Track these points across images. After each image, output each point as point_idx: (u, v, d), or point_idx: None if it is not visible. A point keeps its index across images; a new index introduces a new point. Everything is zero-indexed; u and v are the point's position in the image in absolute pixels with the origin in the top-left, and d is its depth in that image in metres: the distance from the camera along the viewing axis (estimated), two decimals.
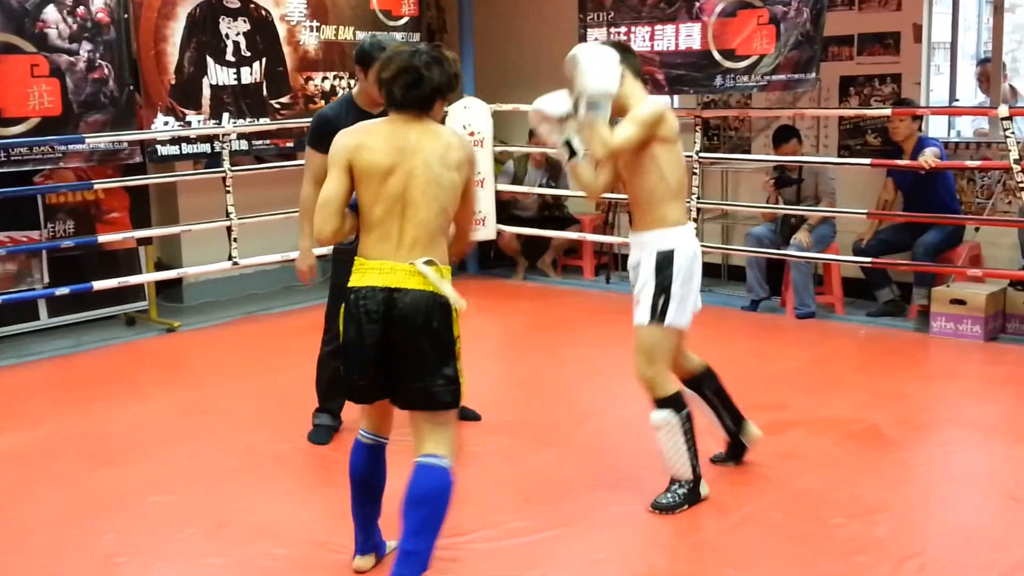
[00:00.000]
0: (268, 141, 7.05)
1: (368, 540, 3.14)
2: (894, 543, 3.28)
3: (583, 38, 7.21)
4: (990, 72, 6.72)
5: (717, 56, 6.61)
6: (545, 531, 3.42)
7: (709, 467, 3.93)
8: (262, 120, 6.93)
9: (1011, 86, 7.13)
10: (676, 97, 7.81)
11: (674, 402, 3.59)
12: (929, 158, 5.83)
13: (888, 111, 6.29)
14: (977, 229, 6.22)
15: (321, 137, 3.87)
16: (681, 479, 3.60)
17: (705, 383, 3.87)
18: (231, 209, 6.59)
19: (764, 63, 6.40)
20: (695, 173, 6.81)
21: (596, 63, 3.42)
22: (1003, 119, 5.50)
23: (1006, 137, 5.48)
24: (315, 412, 4.47)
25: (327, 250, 4.63)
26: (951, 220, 6.12)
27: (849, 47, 6.96)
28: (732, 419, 3.92)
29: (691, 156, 6.80)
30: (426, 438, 2.87)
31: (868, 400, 4.72)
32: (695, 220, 6.85)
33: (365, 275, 2.86)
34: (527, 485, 3.83)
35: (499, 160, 8.09)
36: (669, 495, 3.60)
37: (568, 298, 7.37)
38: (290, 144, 7.17)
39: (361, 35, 7.39)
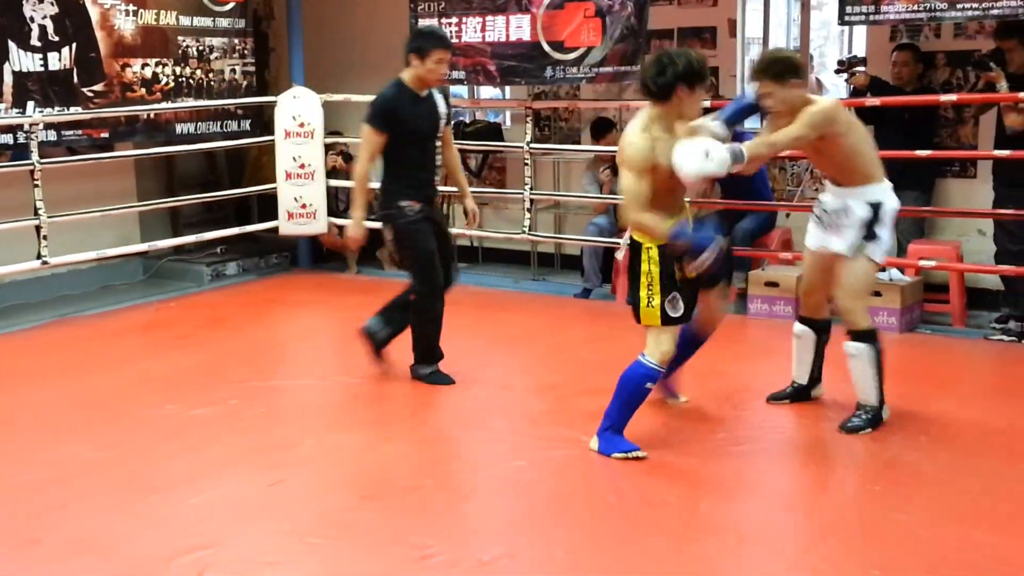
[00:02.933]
0: (81, 132, 6.69)
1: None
2: (716, 516, 3.43)
3: (414, 28, 7.18)
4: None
5: (547, 48, 6.71)
6: (385, 528, 3.41)
7: (539, 457, 4.01)
8: (73, 109, 6.57)
9: (818, 79, 7.53)
10: (508, 88, 7.92)
11: (870, 335, 4.12)
12: None
13: (707, 104, 6.54)
14: (788, 215, 6.57)
15: (384, 118, 4.63)
16: (868, 404, 4.13)
17: (825, 332, 4.44)
18: (40, 205, 6.21)
19: (592, 55, 6.54)
20: (526, 163, 6.91)
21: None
22: None
23: None
24: (424, 364, 4.90)
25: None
26: (762, 207, 6.42)
27: (670, 40, 7.20)
28: (817, 372, 4.49)
29: (521, 147, 6.90)
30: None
31: (693, 380, 4.88)
32: (528, 211, 6.95)
33: None
34: (367, 481, 3.80)
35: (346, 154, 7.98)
36: (857, 419, 4.13)
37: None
38: (105, 135, 6.83)
39: (185, 20, 7.17)
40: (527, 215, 6.97)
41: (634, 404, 3.96)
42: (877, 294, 5.75)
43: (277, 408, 4.75)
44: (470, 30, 6.98)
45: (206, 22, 7.40)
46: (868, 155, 4.19)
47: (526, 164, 6.89)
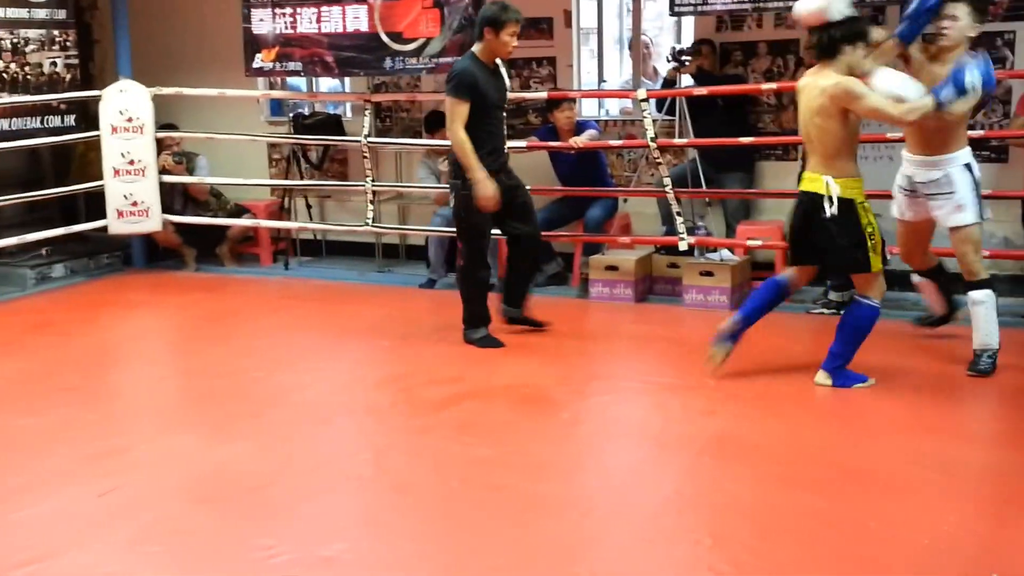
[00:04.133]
0: None
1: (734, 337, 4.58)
2: (558, 496, 3.49)
3: (247, 18, 7.03)
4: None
5: (385, 39, 6.66)
6: (225, 531, 3.32)
7: (383, 449, 4.00)
8: None
9: (654, 67, 7.74)
10: (347, 80, 7.82)
11: (990, 284, 4.58)
12: (580, 139, 6.28)
13: (544, 94, 6.66)
14: (625, 200, 6.75)
15: (469, 89, 4.95)
16: (990, 348, 4.53)
17: (940, 273, 5.04)
18: None
19: (431, 46, 6.54)
20: (365, 156, 6.84)
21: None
22: (641, 100, 5.98)
23: (644, 117, 5.96)
24: (473, 328, 5.27)
25: None
26: (600, 192, 6.58)
27: None
28: (950, 303, 5.09)
29: (359, 141, 6.83)
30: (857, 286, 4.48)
31: (538, 365, 4.98)
32: (371, 203, 6.90)
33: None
34: (205, 485, 3.70)
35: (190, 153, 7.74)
36: (982, 363, 4.53)
37: (245, 287, 7.19)
38: None
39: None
40: (370, 207, 6.92)
41: (861, 341, 4.45)
42: (709, 274, 5.98)
43: (109, 414, 4.57)
44: (305, 21, 6.87)
45: (20, 13, 7.04)
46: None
47: (365, 157, 6.83)
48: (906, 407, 4.29)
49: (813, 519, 3.24)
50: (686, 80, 6.48)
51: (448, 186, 5.39)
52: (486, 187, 5.00)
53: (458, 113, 4.96)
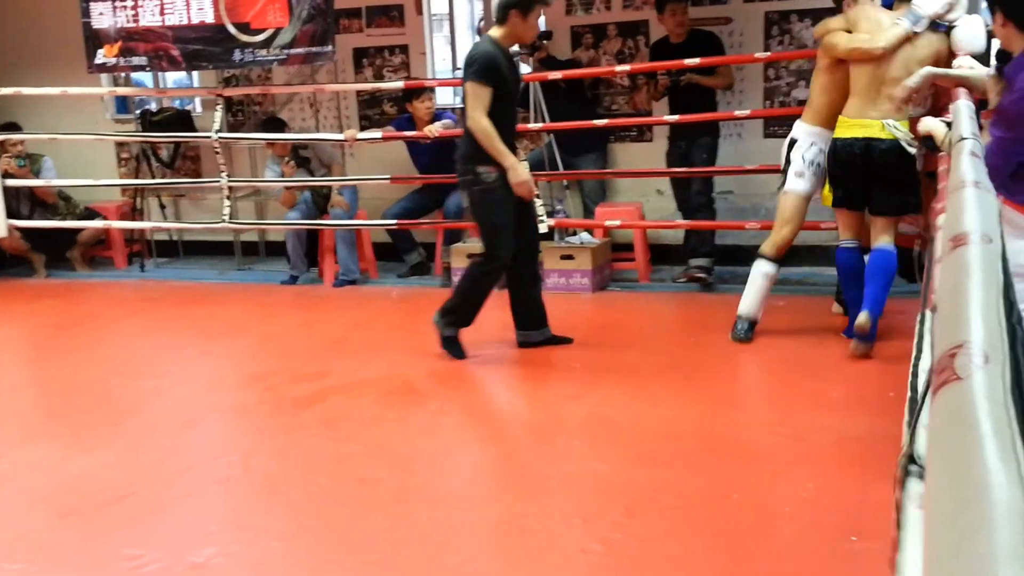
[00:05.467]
0: None
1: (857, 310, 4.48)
2: (429, 488, 3.51)
3: (86, 12, 6.76)
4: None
5: (232, 30, 6.51)
6: (90, 544, 3.23)
7: (250, 449, 3.95)
8: None
9: None
10: (196, 74, 7.62)
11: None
12: (435, 128, 6.29)
13: (397, 84, 6.64)
14: None
15: (494, 73, 4.51)
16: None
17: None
18: None
19: (281, 36, 6.43)
20: (217, 152, 6.69)
21: None
22: None
23: None
24: (450, 324, 4.78)
25: None
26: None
27: (359, 19, 7.20)
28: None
29: (211, 136, 6.67)
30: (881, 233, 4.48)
31: (403, 357, 4.99)
32: (227, 200, 6.75)
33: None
34: (67, 497, 3.57)
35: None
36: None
37: (100, 291, 6.96)
38: None
39: None
40: (226, 204, 6.77)
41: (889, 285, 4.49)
42: (569, 257, 6.09)
43: None
44: (148, 13, 6.66)
45: None
46: None
47: (217, 152, 6.68)
48: (767, 378, 4.48)
49: (679, 494, 3.35)
50: (524, 69, 6.52)
51: (465, 190, 4.78)
52: (520, 171, 4.61)
53: (481, 98, 4.53)
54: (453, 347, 4.84)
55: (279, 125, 6.94)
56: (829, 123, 4.67)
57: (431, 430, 4.09)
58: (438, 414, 4.28)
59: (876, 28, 4.43)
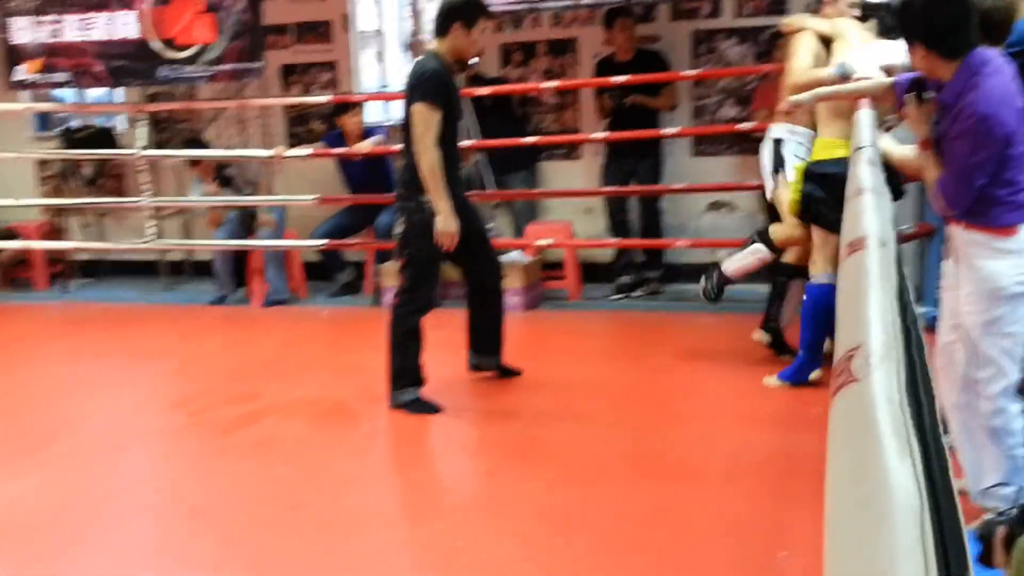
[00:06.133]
0: None
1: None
2: (361, 511, 3.47)
3: (4, 27, 6.61)
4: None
5: (157, 46, 6.42)
6: (9, 572, 3.12)
7: (176, 475, 3.86)
8: None
9: None
10: (121, 90, 7.48)
11: None
12: (364, 145, 6.27)
13: (326, 98, 6.60)
14: None
15: (441, 93, 4.10)
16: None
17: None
18: None
19: (208, 53, 6.36)
20: (142, 170, 6.56)
21: None
22: None
23: None
24: (402, 388, 4.31)
25: None
26: (389, 199, 6.53)
27: (286, 36, 7.15)
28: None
29: (135, 154, 6.55)
30: None
31: (335, 377, 4.94)
32: (152, 219, 6.62)
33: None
34: None
35: None
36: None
37: (20, 314, 6.78)
38: None
39: None
40: (151, 223, 6.64)
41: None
42: None
43: None
44: (70, 29, 6.53)
45: None
46: None
47: (141, 171, 6.55)
48: (697, 396, 4.52)
49: (609, 513, 3.36)
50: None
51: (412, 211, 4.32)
52: (450, 222, 4.19)
53: (431, 123, 4.10)
54: (422, 407, 4.35)
55: (201, 146, 6.84)
56: (805, 122, 4.52)
57: (362, 452, 4.05)
58: (370, 436, 4.24)
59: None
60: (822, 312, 4.23)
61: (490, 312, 4.64)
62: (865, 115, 3.39)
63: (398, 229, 4.37)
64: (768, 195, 4.77)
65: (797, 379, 4.38)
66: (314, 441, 4.15)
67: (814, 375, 4.40)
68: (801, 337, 4.43)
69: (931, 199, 2.93)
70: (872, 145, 2.83)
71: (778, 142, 4.64)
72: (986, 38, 2.87)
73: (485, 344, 4.68)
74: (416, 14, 7.17)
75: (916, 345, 1.31)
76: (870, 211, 1.86)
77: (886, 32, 4.39)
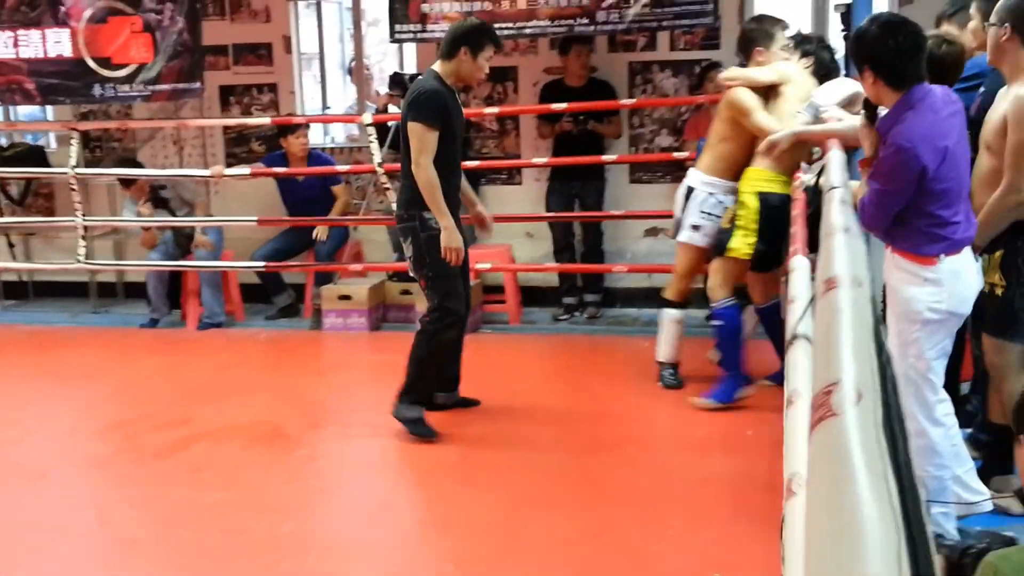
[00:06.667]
0: None
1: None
2: (297, 537, 3.41)
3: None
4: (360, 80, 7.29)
5: (92, 64, 6.32)
6: None
7: (109, 502, 3.76)
8: None
9: (377, 92, 7.77)
10: (51, 108, 7.32)
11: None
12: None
13: (267, 120, 6.53)
14: (356, 228, 6.73)
15: (440, 113, 4.10)
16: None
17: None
18: None
19: (145, 72, 6.26)
20: (73, 189, 6.41)
21: None
22: (367, 125, 6.00)
23: (370, 142, 5.98)
24: (410, 404, 4.24)
25: None
26: (330, 221, 6.50)
27: (226, 56, 7.07)
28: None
29: (66, 172, 6.40)
30: None
31: (272, 401, 4.86)
32: (82, 239, 6.46)
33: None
34: None
35: None
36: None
37: None
38: None
39: None
40: (82, 243, 6.48)
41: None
42: (347, 297, 6.16)
43: None
44: (2, 45, 6.37)
45: None
46: None
47: (73, 190, 6.40)
48: (636, 419, 4.54)
49: (550, 535, 3.35)
50: (394, 109, 6.48)
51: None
52: (454, 237, 4.16)
53: (428, 143, 4.08)
54: (421, 428, 4.25)
55: (135, 167, 6.71)
56: (727, 173, 4.51)
57: (300, 476, 3.98)
58: (307, 460, 4.17)
59: (796, 97, 4.37)
60: (734, 332, 4.48)
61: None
62: (836, 156, 3.46)
63: (408, 252, 4.31)
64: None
65: (723, 398, 4.46)
66: (250, 466, 4.07)
67: (738, 393, 4.47)
68: (722, 359, 4.56)
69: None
70: (844, 185, 2.90)
71: (690, 190, 4.65)
72: (940, 80, 3.03)
73: (448, 375, 4.56)
74: (357, 37, 7.16)
75: (890, 382, 1.35)
76: (843, 250, 1.91)
77: (823, 67, 4.51)
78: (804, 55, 4.53)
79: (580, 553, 3.21)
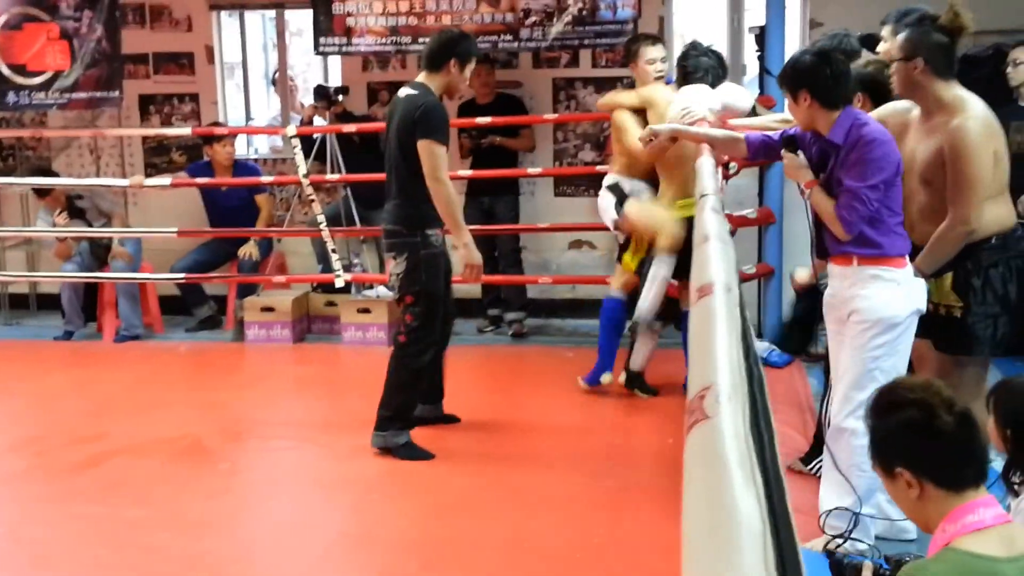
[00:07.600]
0: None
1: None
2: (218, 553, 3.37)
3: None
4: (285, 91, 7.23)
5: (6, 71, 6.19)
6: None
7: (14, 521, 3.66)
8: None
9: (301, 103, 7.71)
10: None
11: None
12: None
13: (188, 130, 6.45)
14: (280, 239, 6.67)
15: (446, 127, 4.07)
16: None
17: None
18: None
19: (61, 80, 6.14)
20: None
21: None
22: (291, 137, 5.95)
23: (295, 154, 5.94)
24: (395, 429, 4.13)
25: None
26: (253, 232, 6.42)
27: (146, 65, 6.95)
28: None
29: None
30: None
31: (192, 415, 4.78)
32: None
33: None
34: None
35: None
36: None
37: None
38: None
39: None
40: None
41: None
42: (366, 311, 6.05)
43: None
44: None
45: None
46: None
47: None
48: (562, 429, 4.57)
49: (475, 545, 3.37)
50: (319, 121, 6.45)
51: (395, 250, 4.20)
52: (475, 254, 4.14)
53: (442, 158, 4.01)
54: (414, 452, 4.15)
55: (50, 175, 6.54)
56: (637, 174, 4.80)
57: (221, 491, 3.93)
58: (228, 474, 4.12)
59: (664, 115, 4.47)
60: (612, 323, 4.89)
61: (440, 359, 4.47)
62: (707, 163, 3.55)
63: (398, 268, 4.17)
64: (614, 231, 4.93)
65: (591, 381, 4.90)
66: (168, 481, 4.00)
67: (604, 378, 4.87)
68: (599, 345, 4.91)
69: (829, 229, 3.11)
70: (715, 193, 2.98)
71: (616, 184, 4.85)
72: (883, 101, 3.35)
73: (433, 390, 4.51)
74: (281, 48, 7.11)
75: (758, 383, 1.46)
76: (716, 258, 2.00)
77: (704, 73, 4.62)
78: (686, 72, 4.66)
79: (504, 562, 3.23)
